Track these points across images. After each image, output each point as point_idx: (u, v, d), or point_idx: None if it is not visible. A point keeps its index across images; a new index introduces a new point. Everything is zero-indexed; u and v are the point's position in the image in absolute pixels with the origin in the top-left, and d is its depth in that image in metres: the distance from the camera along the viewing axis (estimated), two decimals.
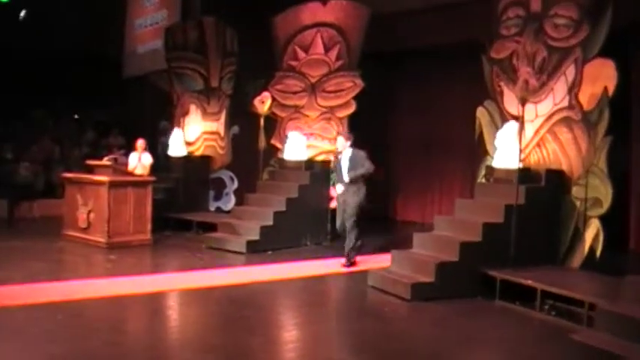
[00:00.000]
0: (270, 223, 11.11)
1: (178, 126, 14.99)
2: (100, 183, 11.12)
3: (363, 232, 9.88)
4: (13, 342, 5.92)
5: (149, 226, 11.44)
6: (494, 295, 7.96)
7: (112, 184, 11.02)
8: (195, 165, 14.53)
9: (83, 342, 5.99)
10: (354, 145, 9.98)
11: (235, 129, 14.30)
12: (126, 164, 12.18)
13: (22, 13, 18.29)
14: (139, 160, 12.16)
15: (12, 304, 7.16)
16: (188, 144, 14.79)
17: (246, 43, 14.06)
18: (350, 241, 9.86)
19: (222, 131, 14.55)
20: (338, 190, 9.99)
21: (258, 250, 10.77)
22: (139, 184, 11.50)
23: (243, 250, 10.78)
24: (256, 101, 12.82)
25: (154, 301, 7.92)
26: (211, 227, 12.20)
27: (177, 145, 14.55)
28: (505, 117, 9.62)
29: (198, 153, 14.82)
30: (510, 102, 9.57)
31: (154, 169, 12.32)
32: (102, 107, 19.61)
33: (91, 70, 18.24)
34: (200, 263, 10.10)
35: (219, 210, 14.22)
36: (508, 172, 8.81)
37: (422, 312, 7.60)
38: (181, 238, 12.29)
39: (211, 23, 14.85)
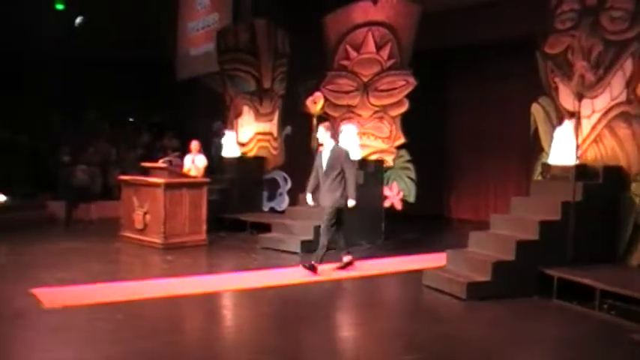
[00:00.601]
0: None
1: (231, 127, 15.13)
2: (155, 185, 11.29)
3: (416, 231, 9.78)
4: (75, 341, 6.06)
5: (204, 227, 11.57)
6: (552, 295, 7.81)
7: (168, 186, 11.17)
8: (249, 166, 14.65)
9: (142, 342, 6.07)
10: (335, 140, 9.48)
11: (288, 129, 14.38)
12: (180, 166, 12.35)
13: (78, 20, 18.68)
14: (193, 162, 12.32)
15: (73, 304, 7.32)
16: (241, 145, 14.91)
17: (297, 44, 14.12)
18: (321, 245, 9.26)
19: (275, 132, 14.65)
20: (350, 204, 9.27)
21: (313, 250, 10.72)
22: (194, 185, 11.64)
23: (298, 250, 10.83)
24: (308, 101, 12.87)
25: (210, 302, 8.00)
26: (265, 227, 12.29)
27: (230, 147, 14.69)
28: (561, 113, 9.45)
29: (251, 154, 14.94)
30: (566, 98, 9.40)
31: (208, 170, 12.46)
32: (156, 110, 19.94)
33: (145, 74, 18.56)
34: (255, 263, 10.18)
35: (272, 210, 14.31)
36: (565, 168, 8.65)
37: (478, 312, 7.51)
38: (236, 238, 12.40)
39: (262, 25, 14.96)
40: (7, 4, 16.73)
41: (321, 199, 9.38)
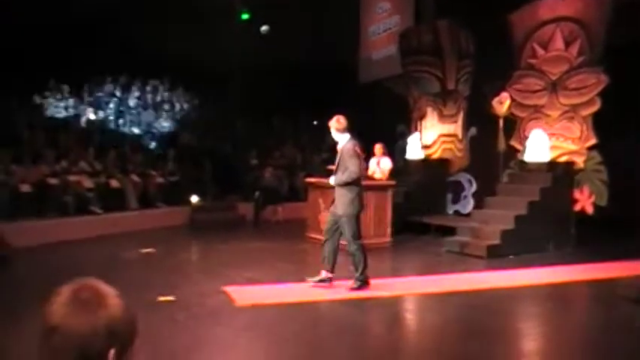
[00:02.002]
0: (511, 227, 10.87)
1: (415, 129, 15.12)
2: None
3: (608, 236, 9.24)
4: (264, 340, 6.31)
5: (389, 230, 11.66)
6: None
7: None
8: (433, 168, 14.57)
9: (327, 343, 6.23)
10: (350, 135, 8.31)
11: (473, 131, 14.17)
12: (365, 169, 12.49)
13: (263, 28, 19.43)
14: (378, 165, 12.44)
15: (262, 303, 7.60)
16: (425, 147, 14.87)
17: (482, 43, 13.87)
18: (357, 263, 8.23)
19: (459, 133, 14.47)
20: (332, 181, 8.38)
21: (499, 255, 10.55)
22: (379, 188, 11.75)
23: (484, 254, 10.64)
24: (495, 102, 12.61)
25: (394, 305, 8.02)
26: (450, 231, 12.17)
27: (414, 149, 14.69)
28: None
29: (435, 156, 14.86)
30: None
31: (393, 173, 12.53)
32: (340, 113, 20.25)
33: (328, 78, 18.97)
34: (439, 267, 10.10)
35: (457, 213, 14.16)
36: None
37: None
38: (420, 241, 12.39)
39: (445, 25, 14.82)
40: (195, 19, 17.72)
41: (335, 205, 8.34)
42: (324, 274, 8.37)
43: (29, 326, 6.34)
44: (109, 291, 1.65)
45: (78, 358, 1.56)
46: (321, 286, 8.27)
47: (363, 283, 8.21)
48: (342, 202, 8.15)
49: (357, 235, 8.18)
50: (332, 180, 8.33)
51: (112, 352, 1.60)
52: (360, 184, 8.30)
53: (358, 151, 8.24)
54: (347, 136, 8.25)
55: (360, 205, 8.28)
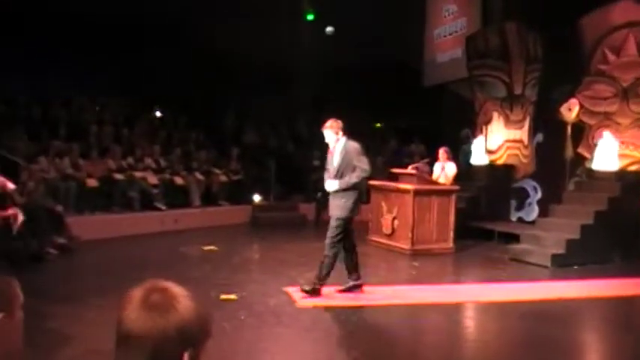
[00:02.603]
0: (577, 236, 10.61)
1: (480, 134, 14.92)
2: (404, 191, 11.44)
3: None
4: (324, 342, 6.34)
5: (451, 235, 11.53)
6: None
7: (417, 193, 11.27)
8: (498, 174, 14.36)
9: (389, 348, 6.19)
10: (346, 136, 8.04)
11: (539, 137, 13.91)
12: (429, 173, 12.41)
13: (329, 29, 19.49)
14: (443, 169, 12.32)
15: (323, 304, 7.61)
16: (490, 152, 14.65)
17: (551, 48, 13.59)
18: (324, 268, 7.85)
19: (525, 139, 14.22)
20: (328, 187, 8.06)
21: (564, 265, 10.32)
22: (443, 192, 11.65)
23: (548, 263, 10.41)
24: (563, 108, 12.37)
25: (456, 312, 7.94)
26: (513, 238, 11.97)
27: (479, 154, 14.50)
28: None
29: (500, 161, 14.62)
30: None
31: (456, 177, 12.41)
32: (403, 116, 20.22)
33: (392, 80, 18.90)
34: (502, 275, 9.94)
35: (520, 220, 13.91)
36: None
37: None
38: (483, 247, 12.21)
39: (513, 29, 14.57)
40: (260, 18, 17.85)
41: (330, 207, 8.08)
42: (351, 282, 8.12)
43: (93, 315, 6.51)
44: (180, 292, 1.64)
45: (143, 353, 1.56)
46: (352, 292, 8.07)
47: (315, 291, 7.78)
48: (340, 204, 7.87)
49: (340, 240, 7.92)
50: (334, 185, 7.91)
51: (186, 355, 1.60)
52: (361, 186, 8.23)
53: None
54: (342, 137, 8.02)
55: (357, 210, 8.09)
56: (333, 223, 7.89)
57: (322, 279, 7.82)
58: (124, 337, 1.58)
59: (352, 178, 7.82)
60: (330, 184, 7.95)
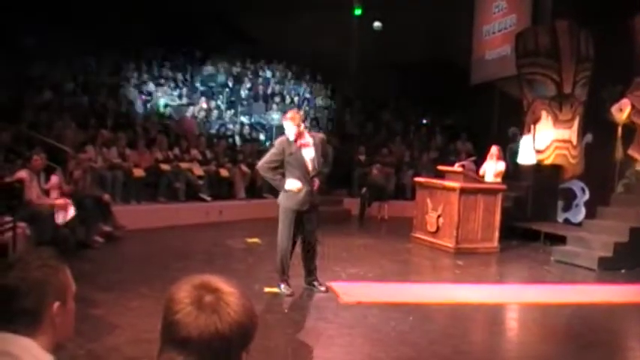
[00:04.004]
0: (626, 239, 10.41)
1: (528, 133, 14.70)
2: (450, 189, 11.35)
3: None
4: (368, 339, 6.30)
5: (496, 234, 11.42)
6: None
7: (463, 191, 11.18)
8: (545, 174, 14.13)
9: (432, 347, 6.13)
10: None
11: (589, 137, 13.66)
12: (475, 171, 12.30)
13: (376, 24, 19.44)
14: (494, 167, 12.23)
15: (367, 301, 7.59)
16: (538, 152, 14.40)
17: (603, 47, 13.31)
18: (315, 257, 7.94)
19: (574, 140, 13.96)
20: (293, 186, 7.50)
21: (611, 268, 10.13)
22: (489, 191, 11.54)
23: (594, 266, 10.21)
24: (614, 109, 12.13)
25: (500, 313, 7.89)
26: (559, 239, 11.78)
27: (526, 153, 14.28)
28: None
29: (548, 161, 14.35)
30: None
31: (503, 176, 12.28)
32: (450, 113, 20.11)
33: (440, 77, 18.78)
34: (548, 277, 9.82)
35: (567, 222, 13.68)
36: None
37: None
38: (528, 248, 12.07)
39: (564, 26, 14.30)
40: (308, 12, 17.89)
41: (303, 203, 7.58)
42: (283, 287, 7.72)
43: (137, 304, 6.59)
44: (231, 291, 1.59)
45: (207, 358, 1.53)
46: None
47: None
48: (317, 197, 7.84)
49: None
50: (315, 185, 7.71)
51: (244, 355, 1.59)
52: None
53: None
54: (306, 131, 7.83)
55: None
56: (313, 217, 7.76)
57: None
58: (182, 340, 1.52)
59: (327, 164, 7.91)
60: (295, 184, 7.53)
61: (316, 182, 7.64)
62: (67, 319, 1.85)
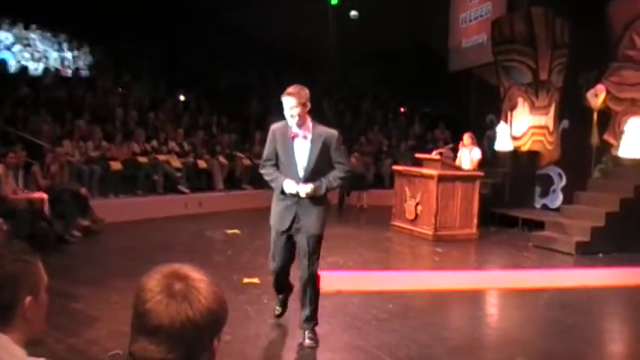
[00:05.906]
0: (602, 224, 10.51)
1: (505, 120, 14.79)
2: (428, 176, 11.38)
3: None
4: (348, 327, 6.33)
5: (475, 221, 11.49)
6: None
7: (441, 178, 11.22)
8: (522, 160, 14.26)
9: (413, 334, 6.15)
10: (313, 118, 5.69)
11: (565, 123, 13.76)
12: (453, 158, 12.35)
13: (353, 13, 19.44)
14: (469, 155, 12.28)
15: (347, 290, 7.62)
16: (515, 138, 14.51)
17: (578, 33, 13.40)
18: (312, 298, 5.90)
19: (551, 126, 14.07)
20: (289, 188, 5.62)
21: (588, 253, 10.23)
22: (467, 178, 11.60)
23: (572, 251, 10.32)
24: (589, 94, 12.22)
25: (479, 299, 7.95)
26: (537, 225, 11.88)
27: (503, 140, 14.38)
28: None
29: (525, 148, 14.49)
30: None
31: (481, 163, 12.35)
32: (428, 101, 20.15)
33: (416, 65, 18.83)
34: (526, 262, 9.90)
35: (545, 207, 13.80)
36: None
37: None
38: (506, 234, 12.17)
39: (540, 14, 14.39)
40: (283, 2, 17.83)
41: (281, 219, 5.85)
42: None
43: (116, 297, 6.56)
44: (200, 277, 1.58)
45: (178, 345, 1.53)
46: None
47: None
48: (319, 215, 5.81)
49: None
50: (306, 188, 5.57)
51: (215, 341, 1.59)
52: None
53: None
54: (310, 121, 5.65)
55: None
56: (313, 244, 5.90)
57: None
58: (154, 329, 1.52)
59: (339, 176, 5.71)
60: (301, 187, 5.58)
61: (308, 189, 5.57)
62: (39, 313, 1.84)
